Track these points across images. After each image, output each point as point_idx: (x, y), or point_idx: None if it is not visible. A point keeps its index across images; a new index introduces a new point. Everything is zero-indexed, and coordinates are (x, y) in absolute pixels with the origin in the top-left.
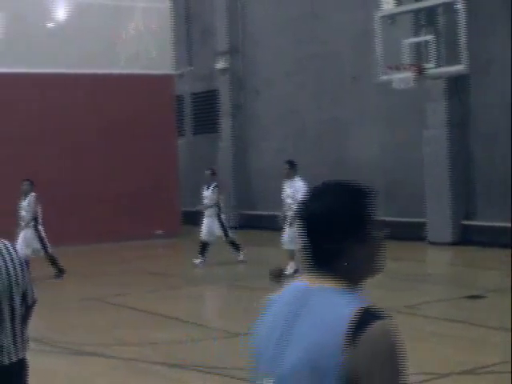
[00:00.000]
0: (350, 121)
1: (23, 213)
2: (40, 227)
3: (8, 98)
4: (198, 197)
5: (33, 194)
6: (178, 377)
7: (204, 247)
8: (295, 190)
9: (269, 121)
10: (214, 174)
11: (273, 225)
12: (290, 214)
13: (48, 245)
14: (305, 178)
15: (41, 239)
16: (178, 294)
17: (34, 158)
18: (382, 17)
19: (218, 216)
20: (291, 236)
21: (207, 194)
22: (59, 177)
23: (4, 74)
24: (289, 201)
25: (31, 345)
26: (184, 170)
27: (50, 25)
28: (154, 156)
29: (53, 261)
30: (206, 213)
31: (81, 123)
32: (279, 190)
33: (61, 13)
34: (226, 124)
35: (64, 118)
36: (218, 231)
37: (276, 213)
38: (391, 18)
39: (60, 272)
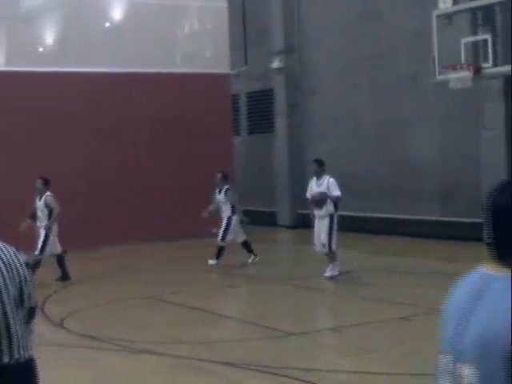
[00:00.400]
0: (406, 121)
1: (39, 213)
2: (54, 227)
3: (64, 96)
4: (252, 196)
5: (48, 193)
6: (235, 376)
7: (247, 246)
8: (328, 187)
9: (324, 121)
10: (225, 177)
11: None
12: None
13: (46, 249)
14: (355, 178)
15: (45, 239)
16: (234, 293)
17: (89, 157)
18: (439, 16)
19: (228, 218)
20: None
21: (220, 197)
22: (113, 176)
23: (60, 73)
24: None
25: (89, 342)
26: (239, 169)
27: (107, 24)
28: (210, 155)
29: (36, 265)
30: (223, 215)
31: (136, 123)
32: None
33: (117, 12)
34: (281, 123)
35: (119, 117)
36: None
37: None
38: (448, 17)
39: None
